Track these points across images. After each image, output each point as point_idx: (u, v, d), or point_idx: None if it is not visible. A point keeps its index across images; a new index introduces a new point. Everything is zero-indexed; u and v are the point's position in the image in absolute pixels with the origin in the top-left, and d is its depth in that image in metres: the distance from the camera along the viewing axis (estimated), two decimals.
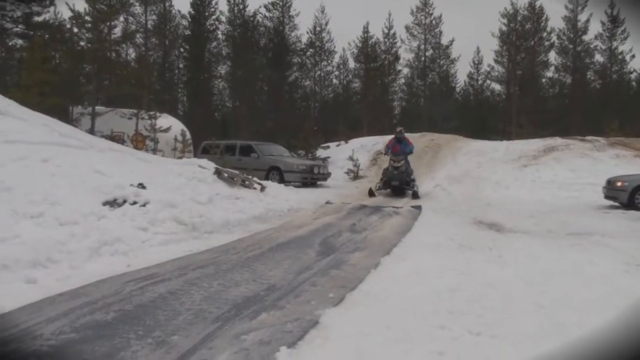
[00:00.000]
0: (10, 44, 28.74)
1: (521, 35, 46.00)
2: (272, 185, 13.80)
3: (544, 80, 47.77)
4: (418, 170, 21.42)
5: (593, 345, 3.47)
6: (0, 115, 10.49)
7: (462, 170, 20.32)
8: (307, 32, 48.56)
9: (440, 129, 33.94)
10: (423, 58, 49.89)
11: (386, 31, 49.20)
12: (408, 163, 17.21)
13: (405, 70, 51.18)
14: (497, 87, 50.82)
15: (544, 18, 45.96)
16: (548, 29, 46.16)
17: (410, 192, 16.52)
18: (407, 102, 52.98)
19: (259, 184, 12.80)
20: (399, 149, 17.09)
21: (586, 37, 45.62)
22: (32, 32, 26.88)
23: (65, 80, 23.72)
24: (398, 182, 16.57)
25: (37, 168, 8.11)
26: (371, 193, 16.46)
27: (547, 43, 46.52)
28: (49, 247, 5.70)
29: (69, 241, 6.05)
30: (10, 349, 3.42)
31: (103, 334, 3.76)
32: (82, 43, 26.44)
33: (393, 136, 18.18)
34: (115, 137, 21.66)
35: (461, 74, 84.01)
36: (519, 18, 46.34)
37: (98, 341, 3.61)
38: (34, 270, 5.18)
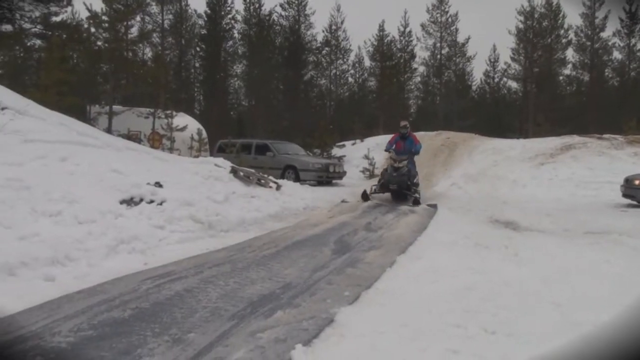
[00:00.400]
0: (28, 44, 28.96)
1: (538, 33, 45.72)
2: (287, 184, 13.83)
3: (561, 77, 47.55)
4: (434, 169, 21.38)
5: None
6: (19, 114, 10.59)
7: (478, 169, 20.23)
8: (323, 31, 48.71)
9: (457, 127, 33.83)
10: (439, 56, 49.79)
11: (402, 29, 49.21)
12: (413, 164, 14.78)
13: (421, 69, 51.21)
14: (513, 84, 50.64)
15: (561, 15, 45.68)
16: (565, 26, 45.90)
17: (412, 197, 13.72)
18: (423, 100, 52.89)
19: (275, 182, 12.84)
20: (403, 146, 14.75)
21: (604, 34, 45.22)
22: (50, 33, 27.07)
23: (82, 80, 23.91)
24: (397, 186, 13.95)
25: (56, 167, 8.19)
26: (365, 196, 14.02)
27: (564, 40, 46.24)
28: (67, 245, 5.77)
29: (87, 239, 6.11)
30: (30, 345, 3.47)
31: (120, 331, 3.80)
32: (99, 43, 26.65)
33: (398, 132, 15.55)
34: (132, 136, 21.81)
35: (477, 71, 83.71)
36: (536, 15, 46.07)
37: (115, 338, 3.65)
38: (52, 268, 5.24)
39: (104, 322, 3.98)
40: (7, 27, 27.36)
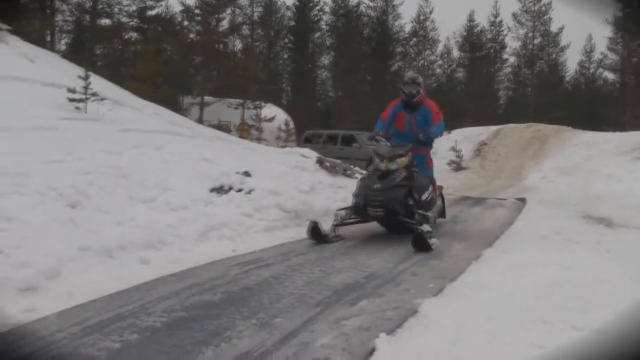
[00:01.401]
0: (126, 37, 30.21)
1: (638, 21, 43.52)
2: None
3: None
4: (524, 161, 20.83)
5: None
6: (117, 105, 11.10)
7: (570, 163, 19.55)
8: (411, 21, 48.25)
9: (548, 119, 32.82)
10: (531, 46, 48.30)
11: (492, 19, 48.11)
12: (425, 163, 8.10)
13: (512, 59, 49.91)
14: (610, 75, 48.50)
15: None
16: None
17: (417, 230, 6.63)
18: (513, 91, 51.59)
19: (361, 173, 12.85)
20: (409, 124, 8.02)
21: None
22: (146, 26, 28.14)
23: (176, 72, 24.70)
24: (383, 210, 6.97)
25: (151, 155, 8.52)
26: (315, 233, 7.00)
27: None
28: (161, 230, 6.02)
29: (179, 225, 6.35)
30: (127, 323, 3.68)
31: (211, 313, 3.97)
32: (191, 35, 27.48)
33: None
34: (222, 126, 22.40)
35: (571, 62, 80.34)
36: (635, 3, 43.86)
37: (206, 320, 3.82)
38: (147, 252, 5.49)
39: (196, 304, 4.17)
40: (107, 22, 28.69)
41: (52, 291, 4.25)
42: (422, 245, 6.40)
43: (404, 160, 7.26)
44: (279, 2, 46.70)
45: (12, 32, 13.74)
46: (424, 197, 7.24)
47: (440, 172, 20.53)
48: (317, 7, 46.26)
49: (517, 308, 4.23)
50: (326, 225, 7.17)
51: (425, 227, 6.68)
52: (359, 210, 7.21)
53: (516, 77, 50.74)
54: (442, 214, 8.63)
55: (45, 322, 3.67)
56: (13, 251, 4.47)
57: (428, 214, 7.08)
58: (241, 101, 25.66)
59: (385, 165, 7.20)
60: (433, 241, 6.61)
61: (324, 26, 46.99)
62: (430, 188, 7.57)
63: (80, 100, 9.97)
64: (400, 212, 6.96)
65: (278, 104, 33.93)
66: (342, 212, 7.33)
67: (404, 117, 8.00)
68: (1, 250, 4.42)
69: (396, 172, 7.14)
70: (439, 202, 8.28)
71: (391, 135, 8.00)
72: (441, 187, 8.78)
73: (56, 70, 12.72)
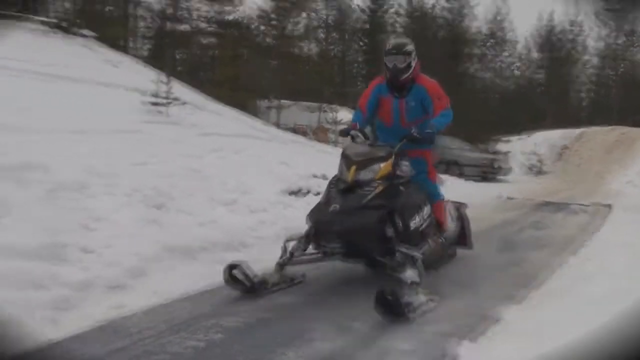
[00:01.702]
0: (204, 42, 30.92)
1: None
2: (450, 179, 13.63)
3: None
4: (608, 166, 20.15)
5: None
6: (198, 109, 11.40)
7: None
8: (488, 23, 47.33)
9: (634, 122, 31.60)
10: (614, 46, 46.56)
11: (573, 19, 46.68)
12: (425, 170, 5.67)
13: (594, 60, 48.21)
14: None
15: None
16: None
17: (400, 279, 4.25)
18: (595, 93, 49.82)
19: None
20: (396, 113, 5.28)
21: None
22: (223, 31, 28.74)
23: (253, 76, 25.11)
24: (340, 246, 4.48)
25: (230, 159, 8.73)
26: (236, 280, 4.39)
27: None
28: (241, 232, 6.17)
29: (259, 227, 6.49)
30: (211, 323, 3.79)
31: (293, 315, 4.06)
32: (267, 40, 27.89)
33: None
34: (298, 130, 22.62)
35: None
36: None
37: (288, 321, 3.91)
38: (227, 253, 5.57)
39: (278, 305, 4.26)
40: (186, 27, 29.50)
41: (138, 289, 4.41)
42: (389, 309, 3.89)
43: (383, 168, 4.67)
44: (353, 5, 46.71)
45: (97, 38, 14.31)
46: (412, 224, 4.67)
47: (519, 175, 20.21)
48: (392, 10, 46.04)
49: (602, 315, 4.09)
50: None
51: (409, 276, 4.26)
52: (312, 242, 4.74)
53: (599, 78, 49.00)
54: (464, 242, 6.27)
55: (133, 320, 3.81)
56: (103, 250, 4.67)
57: (415, 253, 4.44)
58: (317, 104, 25.84)
59: (351, 174, 4.56)
60: (419, 301, 4.18)
61: (399, 29, 46.68)
62: (426, 209, 5.04)
63: (162, 105, 10.29)
64: (370, 247, 4.51)
65: (354, 107, 33.92)
66: (293, 244, 4.85)
67: (390, 103, 5.31)
68: (93, 250, 4.62)
69: (368, 186, 4.56)
70: (452, 227, 5.98)
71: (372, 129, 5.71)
72: (464, 205, 6.70)
73: (138, 75, 13.19)
